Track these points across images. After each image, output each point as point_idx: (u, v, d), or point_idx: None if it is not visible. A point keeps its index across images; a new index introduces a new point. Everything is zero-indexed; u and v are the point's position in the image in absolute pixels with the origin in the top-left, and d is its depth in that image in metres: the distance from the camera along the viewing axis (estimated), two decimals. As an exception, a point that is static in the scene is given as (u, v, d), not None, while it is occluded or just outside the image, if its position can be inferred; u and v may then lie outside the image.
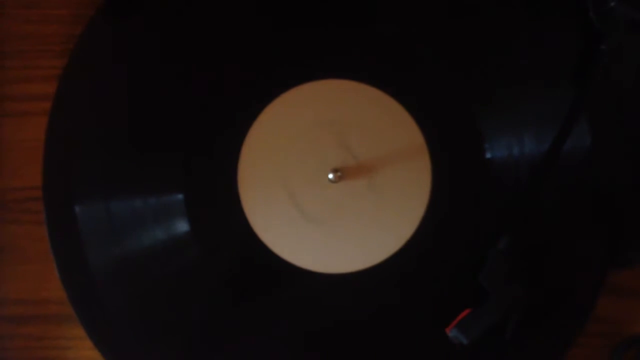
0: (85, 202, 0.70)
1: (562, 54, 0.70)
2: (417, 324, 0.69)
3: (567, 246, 0.69)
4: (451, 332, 0.66)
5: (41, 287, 0.73)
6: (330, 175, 0.69)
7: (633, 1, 0.69)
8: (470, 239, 0.69)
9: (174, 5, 0.71)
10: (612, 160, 0.70)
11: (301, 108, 0.71)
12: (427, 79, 0.71)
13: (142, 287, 0.70)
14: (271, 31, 0.71)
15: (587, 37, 0.70)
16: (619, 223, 0.70)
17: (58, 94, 0.71)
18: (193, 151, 0.70)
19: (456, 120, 0.70)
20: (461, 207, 0.70)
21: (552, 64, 0.70)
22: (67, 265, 0.70)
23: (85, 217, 0.70)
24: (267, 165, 0.70)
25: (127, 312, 0.70)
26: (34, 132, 0.73)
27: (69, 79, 0.71)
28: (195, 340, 0.70)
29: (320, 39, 0.71)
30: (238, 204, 0.70)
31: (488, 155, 0.70)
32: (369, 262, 0.70)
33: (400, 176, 0.70)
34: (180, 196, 0.70)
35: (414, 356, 0.69)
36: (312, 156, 0.70)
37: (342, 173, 0.69)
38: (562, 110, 0.69)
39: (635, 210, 0.70)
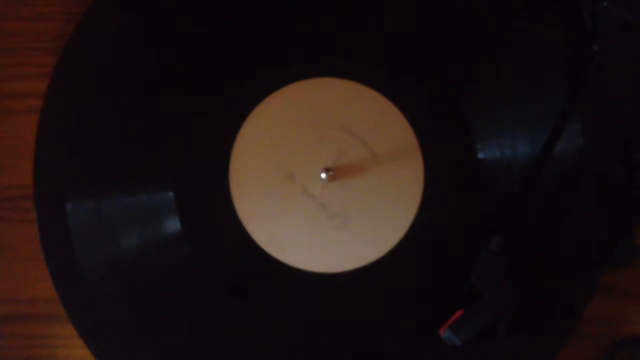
0: (76, 200, 0.70)
1: (554, 54, 0.70)
2: (409, 325, 0.69)
3: (559, 246, 0.69)
4: (444, 333, 0.66)
5: (32, 286, 0.72)
6: (323, 175, 0.69)
7: (625, 1, 0.69)
8: (462, 239, 0.69)
9: (167, 3, 0.71)
10: (604, 160, 0.70)
11: (293, 107, 0.71)
12: (420, 79, 0.71)
13: (133, 286, 0.70)
14: (266, 28, 0.71)
15: (579, 36, 0.70)
16: (611, 223, 0.70)
17: (49, 91, 0.70)
18: (184, 149, 0.70)
19: (449, 120, 0.70)
20: (453, 207, 0.70)
21: (544, 64, 0.70)
22: (57, 264, 0.70)
23: (76, 215, 0.70)
24: (258, 164, 0.70)
25: (118, 311, 0.70)
26: (24, 130, 0.72)
27: (60, 76, 0.70)
28: (187, 338, 0.70)
29: (315, 38, 0.71)
30: (229, 203, 0.70)
31: (480, 156, 0.70)
32: (361, 261, 0.70)
33: (393, 176, 0.70)
34: (171, 194, 0.70)
35: (406, 356, 0.69)
36: (304, 155, 0.70)
37: (334, 172, 0.69)
38: (554, 110, 0.69)
39: (626, 210, 0.70)
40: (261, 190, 0.70)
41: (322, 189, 0.70)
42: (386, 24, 0.71)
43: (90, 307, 0.70)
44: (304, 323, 0.70)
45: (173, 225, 0.69)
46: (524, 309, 0.67)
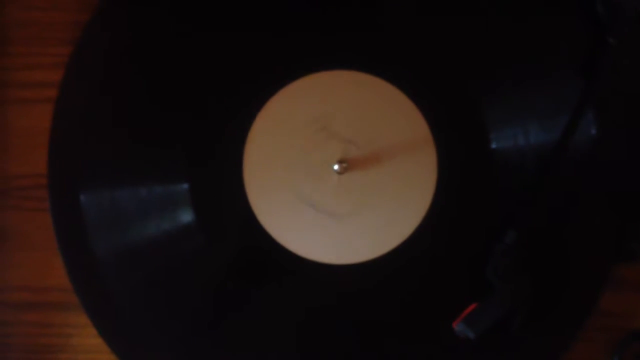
0: (90, 190, 0.70)
1: (568, 46, 0.70)
2: (422, 318, 0.70)
3: (572, 240, 0.69)
4: (458, 326, 0.66)
5: (45, 275, 0.73)
6: (336, 166, 0.69)
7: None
8: (476, 232, 0.69)
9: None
10: (618, 153, 0.69)
11: (306, 99, 0.70)
12: (432, 70, 0.70)
13: (147, 276, 0.70)
14: (279, 20, 0.70)
15: (594, 29, 0.69)
16: (624, 216, 0.70)
17: (64, 81, 0.70)
18: (198, 141, 0.70)
19: (462, 111, 0.70)
20: (467, 198, 0.70)
21: (558, 56, 0.70)
22: (71, 253, 0.70)
23: (90, 205, 0.70)
24: (272, 155, 0.70)
25: (131, 300, 0.70)
26: (39, 119, 0.72)
27: (75, 66, 0.70)
28: (199, 328, 0.70)
29: (326, 30, 0.70)
30: (243, 194, 0.70)
31: (494, 146, 0.70)
32: (373, 253, 0.70)
33: (406, 167, 0.70)
34: (185, 186, 0.70)
35: (420, 350, 0.70)
36: (318, 147, 0.70)
37: (347, 164, 0.69)
38: (567, 101, 0.69)
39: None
40: (274, 181, 0.70)
41: (335, 180, 0.70)
42: (397, 15, 0.71)
43: (104, 296, 0.70)
44: (316, 314, 0.70)
45: (187, 216, 0.70)
46: (536, 302, 0.67)
